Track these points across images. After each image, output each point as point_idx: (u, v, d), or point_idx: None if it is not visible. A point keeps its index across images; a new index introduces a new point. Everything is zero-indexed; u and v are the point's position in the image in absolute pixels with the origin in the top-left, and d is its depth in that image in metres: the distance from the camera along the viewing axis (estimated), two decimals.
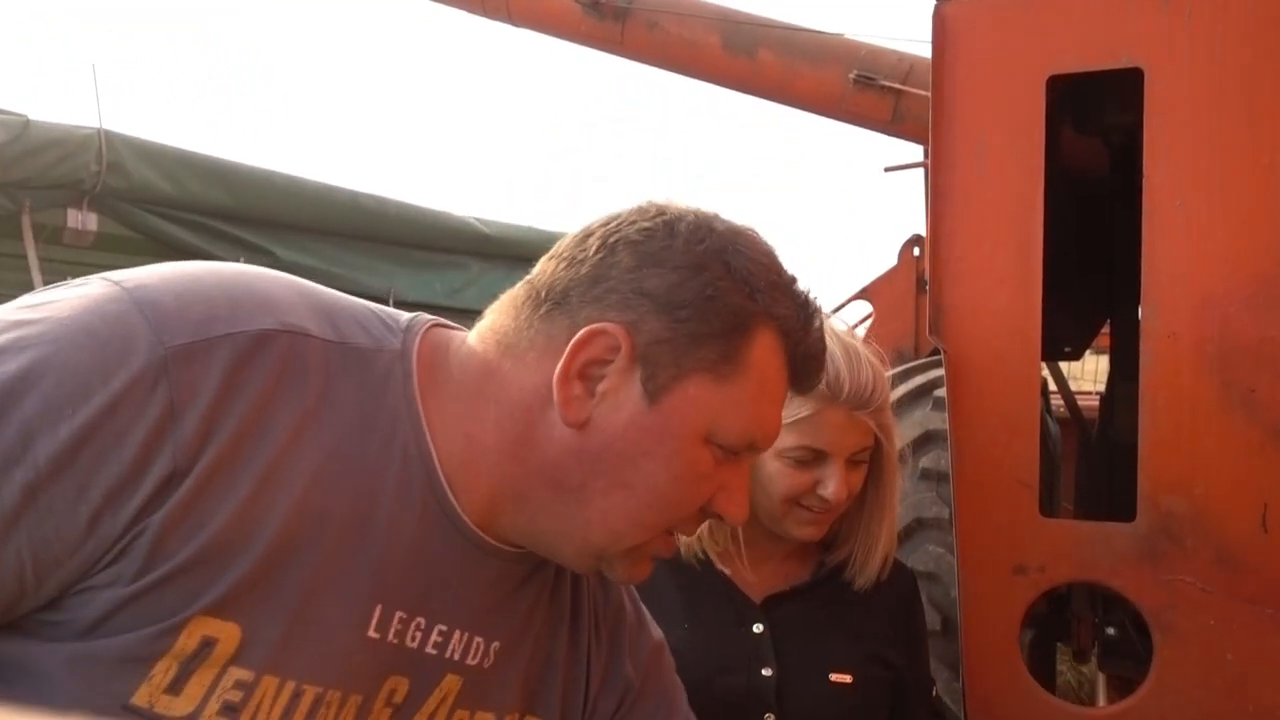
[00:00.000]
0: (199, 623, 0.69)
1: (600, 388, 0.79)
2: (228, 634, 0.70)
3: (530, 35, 4.70)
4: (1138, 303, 2.04)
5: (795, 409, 1.29)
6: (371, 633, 0.77)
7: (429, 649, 0.82)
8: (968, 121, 1.87)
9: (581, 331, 0.78)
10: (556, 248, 0.84)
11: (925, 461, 3.16)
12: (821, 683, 1.37)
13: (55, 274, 4.05)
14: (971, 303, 1.89)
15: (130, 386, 0.67)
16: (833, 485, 1.32)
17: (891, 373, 3.63)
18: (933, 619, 3.02)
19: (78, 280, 0.74)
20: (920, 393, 3.43)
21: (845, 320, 1.41)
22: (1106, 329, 3.73)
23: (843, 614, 1.43)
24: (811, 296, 0.86)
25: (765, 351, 0.82)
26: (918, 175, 4.43)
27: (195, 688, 0.70)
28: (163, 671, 0.68)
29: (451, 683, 0.84)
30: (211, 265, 0.77)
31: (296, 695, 0.74)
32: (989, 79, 1.88)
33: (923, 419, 3.32)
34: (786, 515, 1.36)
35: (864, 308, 4.40)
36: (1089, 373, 6.77)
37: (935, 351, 3.62)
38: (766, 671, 1.36)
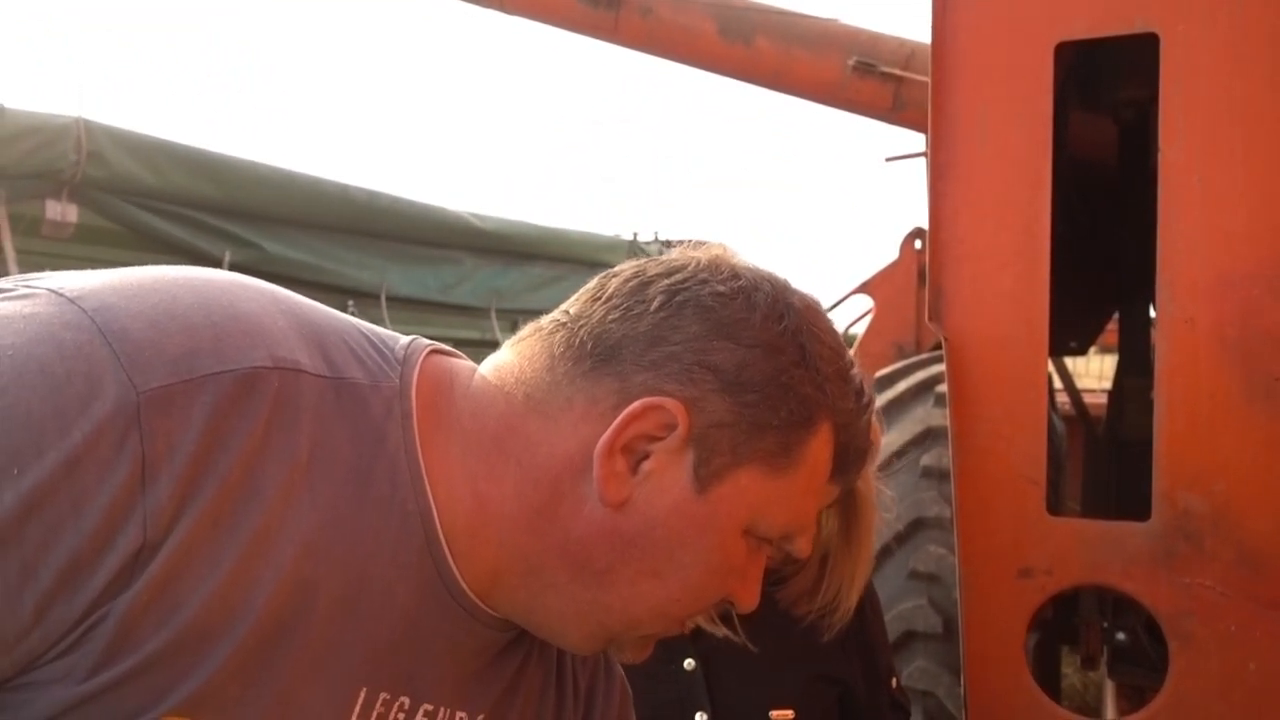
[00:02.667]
0: None
1: (646, 466, 0.70)
2: None
3: (531, 29, 4.62)
4: (1148, 294, 1.94)
5: None
6: (354, 719, 0.69)
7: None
8: (970, 92, 1.76)
9: (637, 403, 0.69)
10: (602, 288, 0.74)
11: (927, 459, 3.08)
12: None
13: (33, 267, 3.95)
14: (974, 287, 1.78)
15: (93, 439, 0.56)
16: (803, 543, 1.22)
17: (892, 368, 3.59)
18: (934, 621, 2.94)
19: (17, 289, 0.62)
20: (921, 389, 3.35)
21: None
22: (1111, 326, 3.65)
23: (783, 635, 1.32)
24: (866, 386, 0.78)
25: (821, 445, 0.74)
26: (919, 166, 4.36)
27: None
28: None
29: None
30: (185, 277, 0.66)
31: None
32: (993, 46, 1.77)
33: (924, 415, 3.24)
34: None
35: (864, 302, 4.33)
36: (1093, 371, 6.70)
37: (937, 347, 3.53)
38: (701, 717, 1.26)
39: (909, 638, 2.93)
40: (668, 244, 9.14)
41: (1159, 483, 1.68)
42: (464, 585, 0.71)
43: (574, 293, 0.77)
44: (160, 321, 0.60)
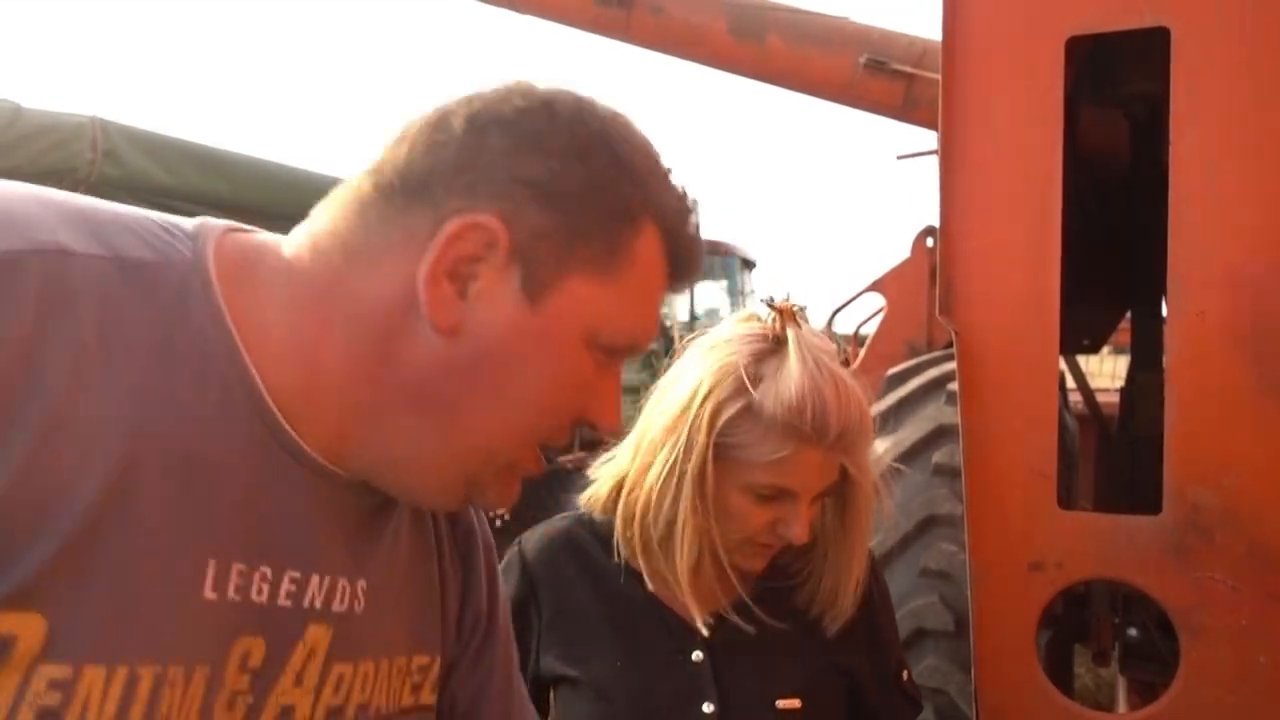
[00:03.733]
0: None
1: (473, 288, 0.69)
2: (30, 628, 0.58)
3: (543, 28, 4.63)
4: (1160, 289, 1.93)
5: (774, 448, 1.18)
6: (208, 593, 0.66)
7: (281, 601, 0.70)
8: (980, 87, 1.76)
9: (452, 223, 0.68)
10: (404, 131, 0.72)
11: (938, 457, 3.07)
12: (767, 712, 1.27)
13: None
14: (985, 282, 1.78)
15: None
16: (796, 527, 1.22)
17: (903, 366, 3.58)
18: (945, 619, 2.93)
19: None
20: (933, 386, 3.35)
21: (833, 336, 1.28)
22: (1124, 325, 3.63)
23: (791, 625, 1.31)
24: (688, 189, 0.77)
25: (649, 246, 0.74)
26: (931, 164, 4.35)
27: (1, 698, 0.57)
28: None
29: (317, 635, 0.73)
30: None
31: (132, 681, 0.62)
32: (1004, 40, 1.77)
33: (935, 413, 3.23)
34: (737, 548, 1.25)
35: (876, 301, 4.32)
36: (1105, 371, 6.67)
37: (949, 345, 3.52)
38: (708, 707, 1.25)
39: (920, 635, 2.93)
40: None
41: (1170, 477, 1.67)
42: (306, 449, 0.70)
43: None
44: None
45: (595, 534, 1.35)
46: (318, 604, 0.73)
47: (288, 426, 0.69)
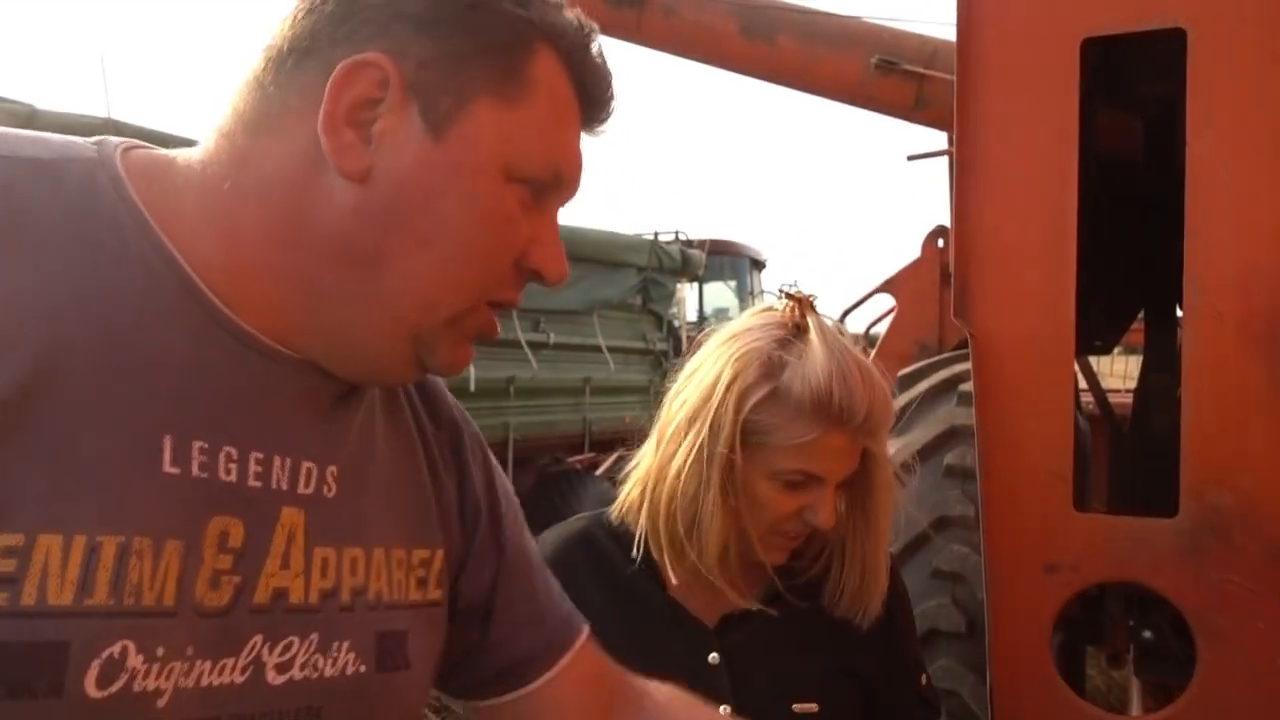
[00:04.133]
0: None
1: (375, 129, 0.68)
2: None
3: None
4: (1175, 290, 1.92)
5: (801, 431, 1.18)
6: (168, 468, 0.65)
7: (251, 481, 0.70)
8: (995, 88, 1.76)
9: (342, 66, 0.67)
10: (292, 7, 0.72)
11: (950, 458, 3.06)
12: (784, 715, 1.26)
13: None
14: (1000, 284, 1.78)
15: None
16: (823, 512, 1.22)
17: (915, 367, 3.57)
18: (957, 621, 2.92)
19: None
20: (945, 387, 3.34)
21: (844, 330, 1.29)
22: (1136, 326, 3.62)
23: (808, 628, 1.31)
24: (585, 18, 0.76)
25: (549, 70, 0.72)
26: (941, 165, 4.34)
27: None
28: None
29: (292, 517, 0.72)
30: None
31: (92, 549, 0.61)
32: (1018, 42, 1.76)
33: (947, 414, 3.22)
34: (763, 539, 1.25)
35: (886, 301, 4.32)
36: (1117, 371, 6.65)
37: (960, 345, 3.52)
38: (725, 710, 1.23)
39: (933, 636, 2.92)
40: (689, 243, 9.13)
41: (1186, 478, 1.67)
42: (244, 325, 0.69)
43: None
44: None
45: (613, 535, 1.35)
46: (284, 485, 0.72)
47: (220, 304, 0.69)
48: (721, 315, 10.10)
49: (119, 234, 0.65)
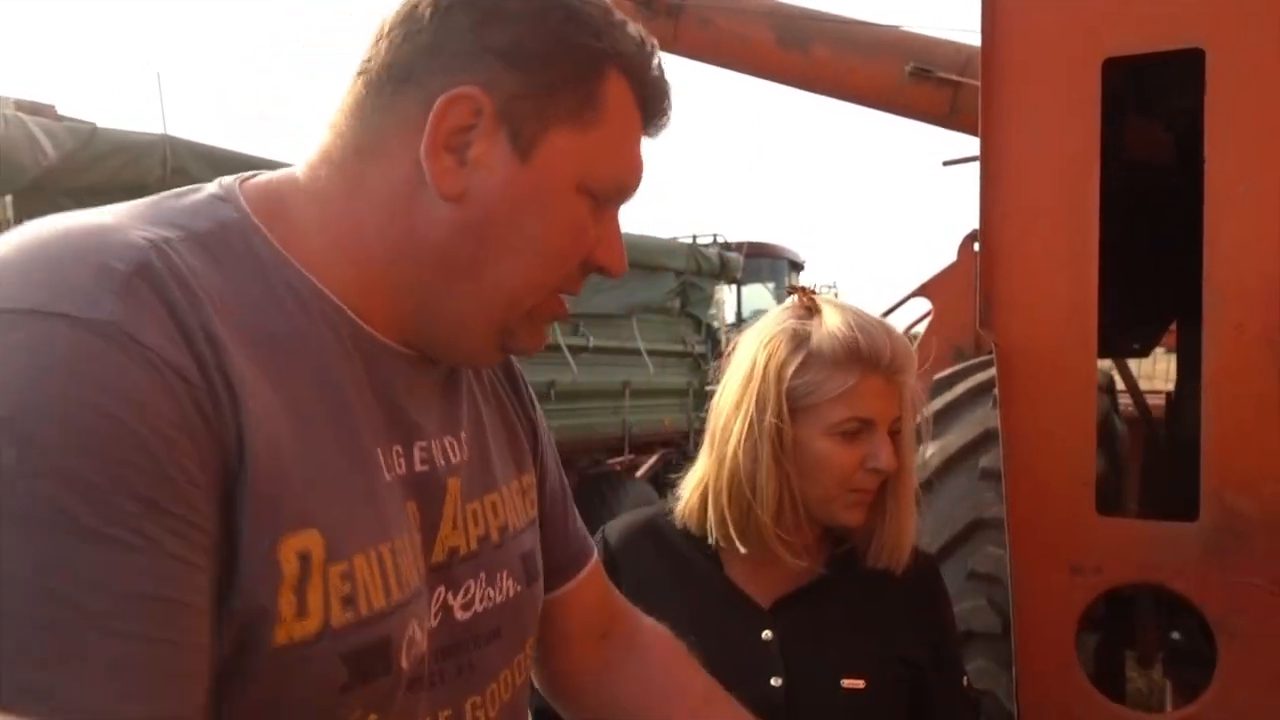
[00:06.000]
0: (286, 545, 0.68)
1: (470, 154, 0.76)
2: (314, 541, 0.69)
3: None
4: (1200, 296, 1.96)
5: (842, 380, 1.29)
6: (386, 476, 0.78)
7: (419, 467, 0.82)
8: (1019, 105, 1.81)
9: (442, 99, 0.75)
10: (380, 29, 0.80)
11: (985, 461, 3.08)
12: (833, 690, 1.33)
13: None
14: (1024, 294, 1.83)
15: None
16: (884, 455, 1.31)
17: (950, 370, 3.60)
18: (993, 621, 2.95)
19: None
20: (980, 391, 3.35)
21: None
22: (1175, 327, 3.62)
23: (857, 611, 1.39)
24: (644, 34, 0.84)
25: (618, 92, 0.81)
26: (976, 170, 4.34)
27: (315, 601, 0.69)
28: (286, 605, 0.67)
29: (453, 485, 0.86)
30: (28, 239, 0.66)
31: (379, 559, 0.74)
32: (1042, 62, 1.82)
33: (983, 418, 3.24)
34: (838, 498, 1.34)
35: (923, 305, 4.33)
36: (1159, 373, 6.60)
37: None
38: (776, 681, 1.32)
39: (968, 637, 2.94)
40: (727, 246, 9.15)
41: (1207, 483, 1.71)
42: (385, 339, 0.80)
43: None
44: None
45: (674, 525, 1.45)
46: (442, 461, 0.85)
47: (365, 325, 0.79)
48: (759, 317, 10.11)
49: (291, 290, 0.75)
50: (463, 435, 0.89)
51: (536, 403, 1.08)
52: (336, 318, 0.77)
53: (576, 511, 1.13)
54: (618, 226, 0.86)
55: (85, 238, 0.66)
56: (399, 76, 0.77)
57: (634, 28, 0.83)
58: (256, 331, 0.71)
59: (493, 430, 0.95)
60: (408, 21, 0.78)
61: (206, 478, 0.64)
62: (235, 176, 0.81)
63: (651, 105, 0.85)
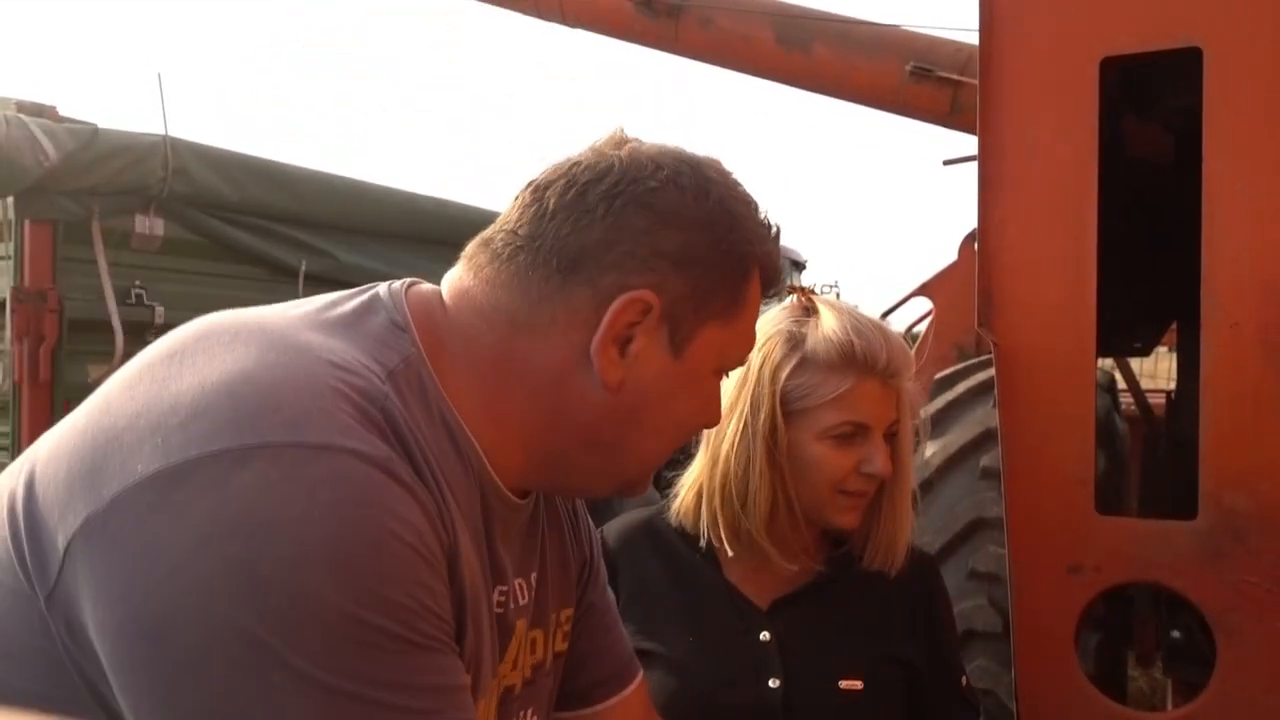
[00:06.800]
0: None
1: (632, 349, 0.82)
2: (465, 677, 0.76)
3: (598, 43, 4.71)
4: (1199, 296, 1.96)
5: (836, 384, 1.29)
6: (492, 612, 0.84)
7: (497, 610, 0.86)
8: (1017, 105, 1.82)
9: (619, 300, 0.80)
10: (541, 203, 0.82)
11: (986, 460, 3.08)
12: (830, 691, 1.34)
13: (124, 278, 4.13)
14: (1023, 294, 1.84)
15: None
16: (879, 460, 1.31)
17: (951, 370, 3.60)
18: (994, 620, 2.95)
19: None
20: (980, 390, 3.35)
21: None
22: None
23: (854, 613, 1.39)
24: (768, 215, 0.90)
25: (756, 285, 0.89)
26: (976, 169, 4.33)
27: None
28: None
29: (520, 627, 0.91)
30: (250, 366, 0.70)
31: (484, 694, 0.83)
32: (1039, 61, 1.82)
33: (983, 417, 3.24)
34: (831, 502, 1.34)
35: (924, 304, 4.32)
36: (1162, 371, 6.59)
37: None
38: (774, 683, 1.32)
39: (969, 637, 2.95)
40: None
41: (1205, 482, 1.71)
42: (506, 491, 0.84)
43: None
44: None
45: (672, 526, 1.44)
46: (513, 605, 0.89)
47: (498, 480, 0.84)
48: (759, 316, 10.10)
49: (449, 431, 0.79)
50: (533, 577, 0.93)
51: (594, 531, 1.12)
52: (478, 464, 0.81)
53: (625, 632, 1.16)
54: (720, 385, 0.93)
55: (331, 370, 0.71)
56: (568, 266, 0.81)
57: (764, 214, 0.89)
58: (439, 473, 0.76)
59: (552, 564, 0.98)
60: (577, 208, 0.81)
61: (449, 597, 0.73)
62: (403, 285, 0.85)
63: (771, 284, 0.91)
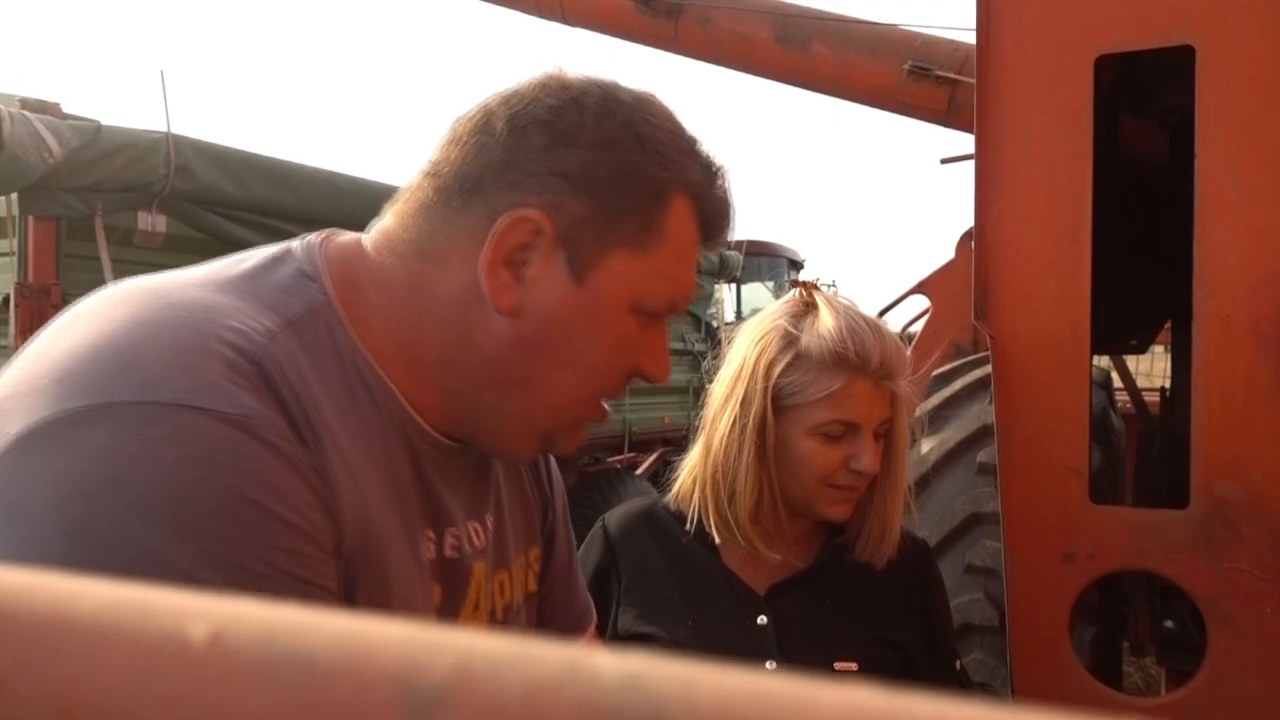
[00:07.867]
0: None
1: (527, 273, 0.79)
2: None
3: (593, 41, 4.73)
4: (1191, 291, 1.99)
5: (828, 383, 1.31)
6: (423, 559, 0.81)
7: (448, 554, 0.85)
8: (1014, 103, 1.85)
9: (503, 219, 0.77)
10: (454, 132, 0.82)
11: (983, 455, 3.10)
12: (826, 673, 1.35)
13: (127, 274, 4.12)
14: (1019, 289, 1.87)
15: None
16: (866, 457, 1.33)
17: (949, 366, 3.63)
18: (990, 614, 2.97)
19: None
20: (978, 386, 3.38)
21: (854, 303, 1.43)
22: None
23: (849, 597, 1.42)
24: (714, 155, 0.85)
25: (680, 217, 0.82)
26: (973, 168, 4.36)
27: None
28: None
29: (479, 570, 0.88)
30: (118, 326, 0.68)
31: None
32: (1035, 59, 1.85)
33: (981, 413, 3.27)
34: (819, 496, 1.36)
35: (921, 302, 4.35)
36: (1159, 370, 6.62)
37: None
38: (770, 665, 1.35)
39: (966, 630, 2.97)
40: (726, 244, 9.18)
41: (1197, 472, 1.74)
42: (436, 434, 0.82)
43: None
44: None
45: (672, 514, 1.48)
46: (468, 547, 0.87)
47: (421, 421, 0.81)
48: None
49: (362, 382, 0.78)
50: (488, 520, 0.91)
51: (556, 473, 1.09)
52: (396, 409, 0.80)
53: (582, 576, 1.15)
54: (665, 338, 0.88)
55: (205, 325, 0.69)
56: (468, 189, 0.79)
57: (703, 149, 0.85)
58: (338, 423, 0.74)
59: (509, 506, 0.96)
60: (481, 133, 0.80)
61: (335, 558, 0.70)
62: (319, 236, 0.82)
63: (711, 226, 0.86)
